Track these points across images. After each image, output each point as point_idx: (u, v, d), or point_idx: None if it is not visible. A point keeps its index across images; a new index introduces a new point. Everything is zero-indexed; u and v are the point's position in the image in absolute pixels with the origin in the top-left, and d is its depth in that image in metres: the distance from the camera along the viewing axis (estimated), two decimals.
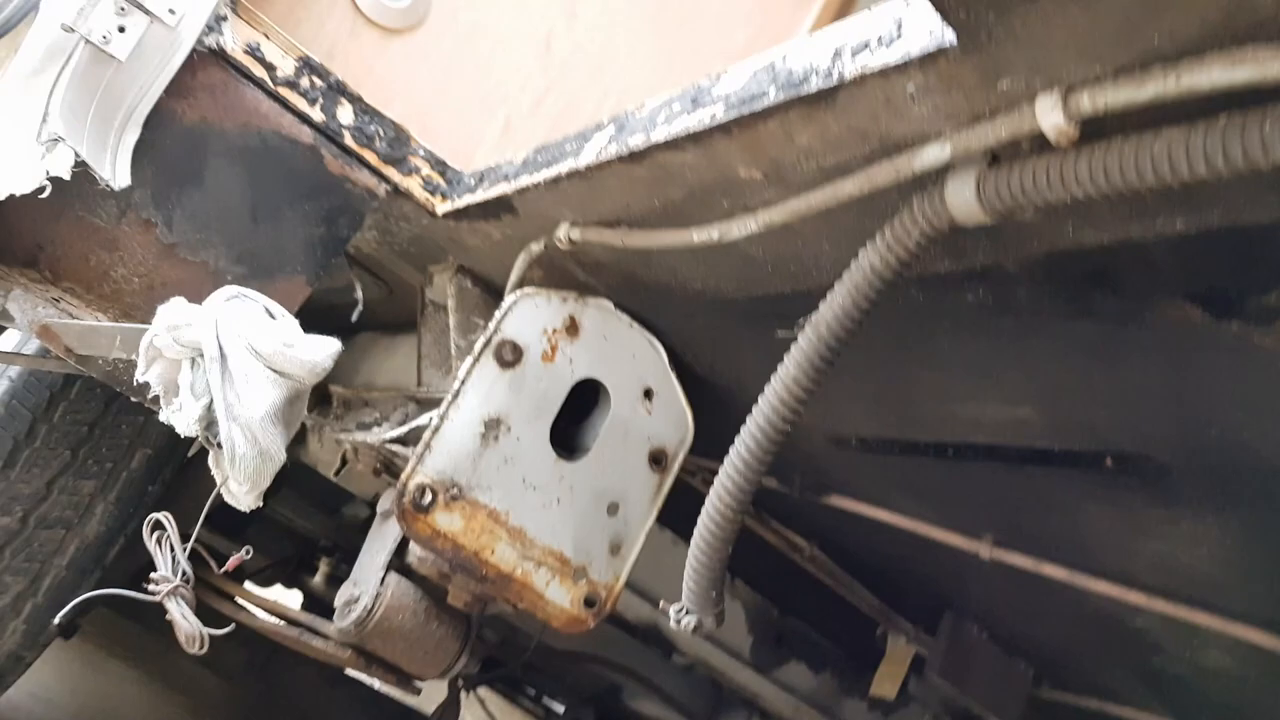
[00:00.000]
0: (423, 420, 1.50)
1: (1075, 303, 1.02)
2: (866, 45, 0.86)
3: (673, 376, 1.56)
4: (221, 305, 1.12)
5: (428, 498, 1.34)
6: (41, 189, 1.22)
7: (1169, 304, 0.96)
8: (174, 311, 1.11)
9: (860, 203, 0.99)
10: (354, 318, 1.74)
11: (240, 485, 1.14)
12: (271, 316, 1.15)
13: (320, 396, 1.96)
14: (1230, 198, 0.82)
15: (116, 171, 1.33)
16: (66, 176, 1.25)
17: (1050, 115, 0.76)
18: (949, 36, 0.77)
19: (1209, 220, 0.84)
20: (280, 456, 1.11)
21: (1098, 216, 0.89)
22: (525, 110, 1.68)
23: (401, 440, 1.53)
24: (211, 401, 1.07)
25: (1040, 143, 0.79)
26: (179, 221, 1.42)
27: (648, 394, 1.54)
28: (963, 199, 0.86)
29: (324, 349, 1.13)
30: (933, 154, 0.86)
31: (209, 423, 1.08)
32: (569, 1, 1.73)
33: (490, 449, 1.39)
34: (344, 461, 1.87)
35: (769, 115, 0.95)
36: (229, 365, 1.07)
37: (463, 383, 1.37)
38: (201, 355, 1.08)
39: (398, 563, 1.51)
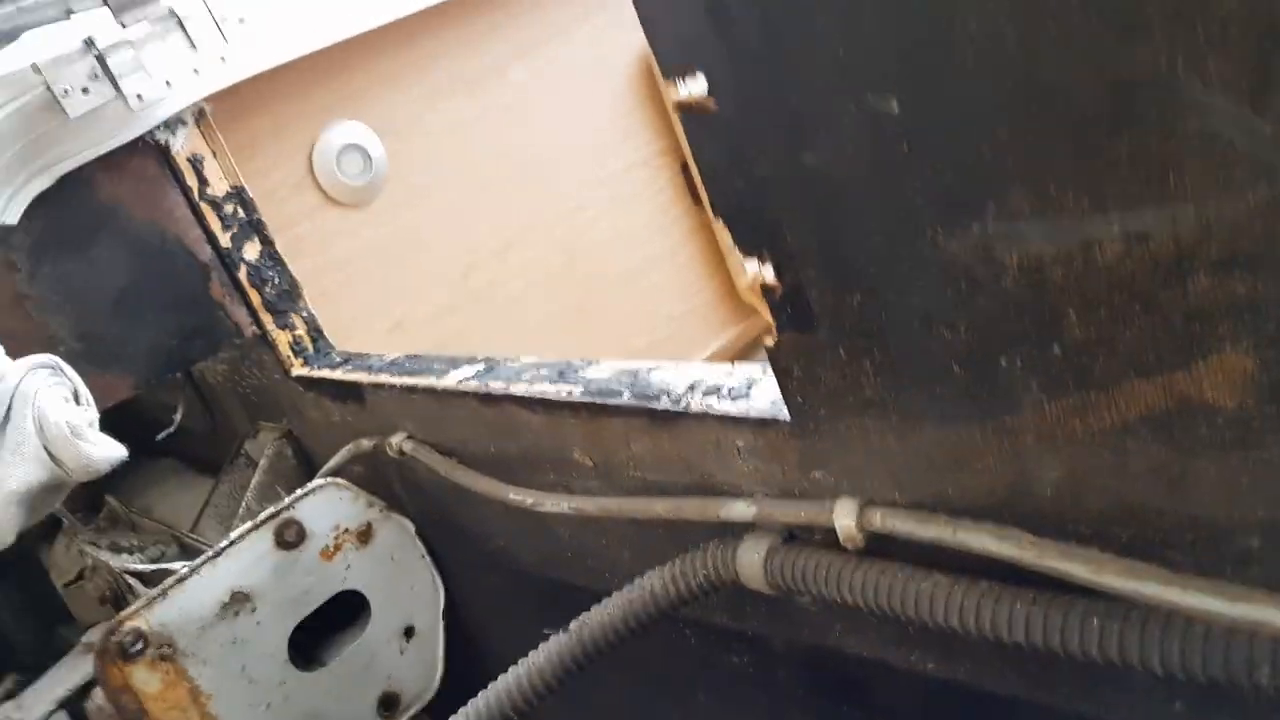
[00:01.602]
0: (175, 565, 1.40)
1: (824, 703, 1.04)
2: (718, 390, 0.92)
3: (441, 625, 1.50)
4: (30, 369, 1.07)
5: (138, 645, 1.23)
6: None
7: None
8: None
9: (667, 525, 1.02)
10: (160, 437, 1.67)
11: None
12: (75, 401, 1.09)
13: (92, 502, 1.83)
14: (978, 658, 0.86)
15: (8, 208, 1.30)
16: None
17: (845, 518, 0.80)
18: (785, 414, 0.83)
19: (956, 673, 0.88)
20: (7, 539, 1.02)
21: (864, 628, 0.92)
22: (420, 319, 1.72)
23: (143, 577, 1.42)
24: None
25: (831, 538, 0.83)
26: (43, 278, 1.37)
27: (409, 632, 1.47)
28: (751, 562, 0.89)
29: (107, 452, 1.08)
30: (739, 509, 0.90)
31: None
32: (503, 248, 1.82)
33: (226, 622, 1.30)
34: (80, 576, 1.72)
35: (616, 413, 1.00)
36: (7, 430, 1.01)
37: (231, 543, 1.30)
38: None
39: (75, 703, 1.35)
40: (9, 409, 1.05)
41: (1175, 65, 0.49)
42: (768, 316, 0.78)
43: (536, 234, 1.85)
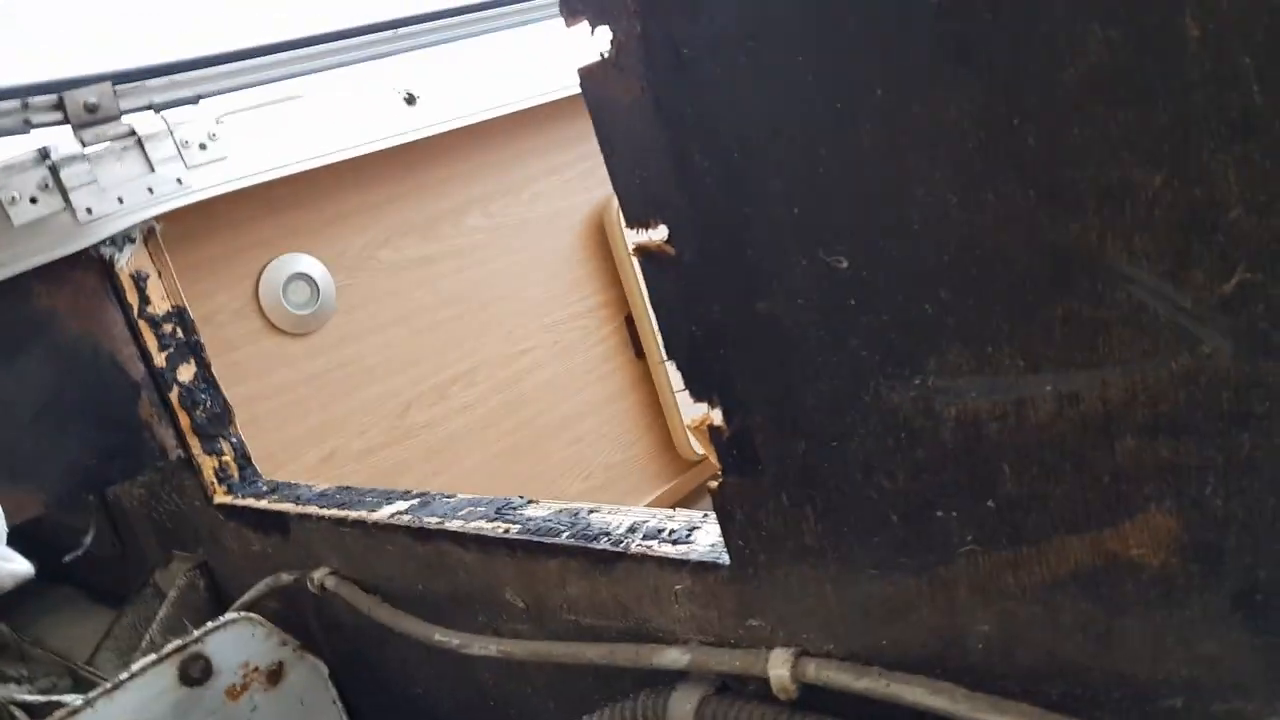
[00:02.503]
0: (68, 699, 1.31)
1: None
2: (660, 533, 0.93)
3: None
4: None
5: None
6: None
7: None
8: None
9: (596, 674, 1.00)
10: (67, 559, 1.59)
11: None
12: None
13: None
14: None
15: None
16: None
17: (779, 668, 0.80)
18: (725, 558, 0.84)
19: None
20: None
21: None
22: (353, 453, 1.70)
23: (31, 709, 1.33)
24: None
25: (765, 689, 0.82)
26: None
27: None
28: (682, 712, 0.87)
29: (14, 568, 1.03)
30: (673, 656, 0.88)
31: None
32: (444, 387, 1.83)
33: None
34: None
35: (554, 553, 0.99)
36: None
37: (132, 676, 1.23)
38: None
39: None
40: None
41: (1105, 239, 0.54)
42: (714, 459, 0.79)
43: (478, 375, 1.86)
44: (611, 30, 0.70)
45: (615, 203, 2.02)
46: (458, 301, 1.85)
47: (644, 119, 0.71)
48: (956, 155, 0.57)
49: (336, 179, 1.67)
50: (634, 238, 0.76)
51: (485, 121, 1.76)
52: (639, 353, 2.10)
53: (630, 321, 2.09)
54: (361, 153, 1.60)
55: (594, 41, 0.71)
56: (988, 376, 0.62)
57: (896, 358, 0.65)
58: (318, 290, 1.66)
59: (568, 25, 0.72)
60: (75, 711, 1.20)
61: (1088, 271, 0.55)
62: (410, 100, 1.65)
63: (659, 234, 0.74)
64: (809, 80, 0.61)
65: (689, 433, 0.70)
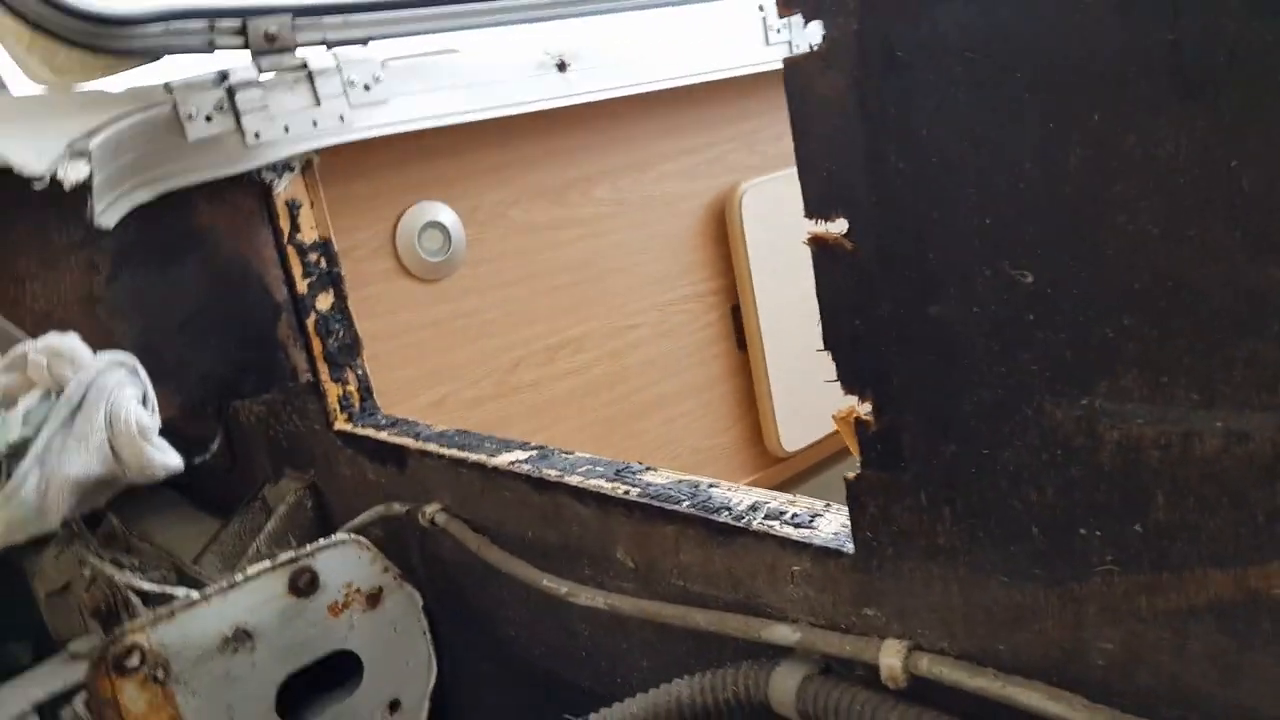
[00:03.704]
0: (179, 591, 1.40)
1: None
2: (781, 515, 0.96)
3: (427, 706, 1.49)
4: (110, 364, 1.11)
5: (134, 661, 1.21)
6: (40, 179, 1.24)
7: None
8: (66, 343, 1.09)
9: (695, 638, 1.04)
10: (195, 461, 1.68)
11: None
12: (144, 404, 1.12)
13: (97, 516, 1.82)
14: None
15: (107, 211, 1.35)
16: (65, 188, 1.28)
17: (891, 658, 0.83)
18: (849, 547, 0.87)
19: None
20: (53, 523, 1.04)
21: None
22: (463, 401, 1.76)
23: (146, 596, 1.41)
24: (33, 438, 1.02)
25: (872, 676, 0.85)
26: (120, 285, 1.42)
27: (394, 705, 1.45)
28: (785, 687, 0.91)
29: (167, 459, 1.10)
30: (782, 633, 0.92)
31: (14, 453, 1.01)
32: (553, 350, 1.88)
33: (223, 657, 1.28)
34: (67, 586, 1.69)
35: (671, 520, 1.03)
36: (77, 418, 1.04)
37: (246, 579, 1.31)
38: (59, 393, 1.04)
39: (50, 709, 1.33)
40: (83, 398, 1.08)
41: None
42: (855, 450, 0.82)
43: (586, 343, 1.91)
44: (825, 25, 0.72)
45: (739, 192, 2.05)
46: (577, 269, 1.89)
47: (844, 114, 0.73)
48: (1166, 188, 0.59)
49: (480, 135, 1.73)
50: (811, 227, 0.79)
51: (627, 96, 1.80)
52: (740, 343, 2.12)
53: (736, 311, 2.12)
54: (510, 113, 1.65)
55: (804, 35, 0.74)
56: (1158, 405, 0.64)
57: (1066, 376, 0.67)
58: (450, 240, 1.72)
59: (780, 15, 0.75)
60: (192, 604, 1.27)
61: None
62: (561, 67, 1.70)
63: (838, 227, 0.77)
64: (1024, 96, 0.64)
65: (837, 423, 0.72)
